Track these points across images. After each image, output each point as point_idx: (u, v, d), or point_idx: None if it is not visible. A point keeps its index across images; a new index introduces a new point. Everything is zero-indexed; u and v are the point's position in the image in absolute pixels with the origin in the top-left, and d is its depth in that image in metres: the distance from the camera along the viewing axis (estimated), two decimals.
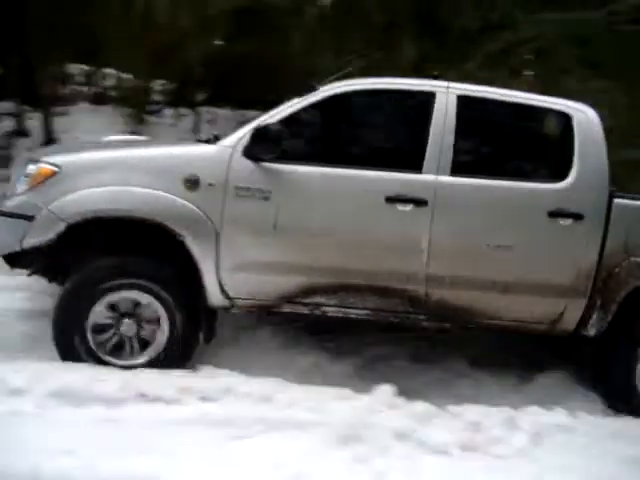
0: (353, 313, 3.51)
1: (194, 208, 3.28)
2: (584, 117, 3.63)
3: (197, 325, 3.41)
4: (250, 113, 5.98)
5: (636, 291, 3.53)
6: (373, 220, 3.40)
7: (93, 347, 3.30)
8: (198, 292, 3.36)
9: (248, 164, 3.32)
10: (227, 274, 3.34)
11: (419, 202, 3.37)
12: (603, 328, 3.54)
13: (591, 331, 3.55)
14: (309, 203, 3.39)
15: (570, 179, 3.49)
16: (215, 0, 8.55)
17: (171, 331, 3.34)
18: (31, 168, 3.36)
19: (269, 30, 8.45)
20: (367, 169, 3.43)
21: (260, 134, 3.25)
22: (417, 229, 3.40)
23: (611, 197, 3.54)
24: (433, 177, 3.41)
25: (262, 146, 3.26)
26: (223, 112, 8.24)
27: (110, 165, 3.39)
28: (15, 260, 3.40)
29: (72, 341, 3.28)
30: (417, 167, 3.42)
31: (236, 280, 3.36)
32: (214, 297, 3.37)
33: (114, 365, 3.27)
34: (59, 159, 3.37)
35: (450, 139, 3.45)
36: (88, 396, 2.90)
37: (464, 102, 3.55)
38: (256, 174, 3.33)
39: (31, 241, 3.22)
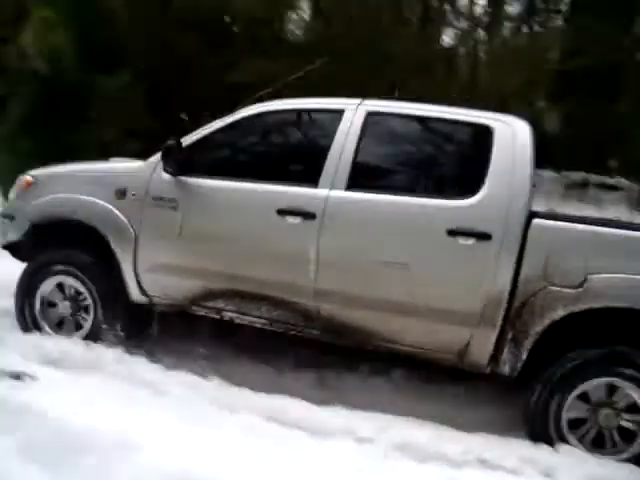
0: (251, 321, 3.61)
1: (119, 215, 3.73)
2: (509, 130, 3.34)
3: (115, 317, 3.84)
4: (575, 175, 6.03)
5: (554, 326, 3.04)
6: (264, 231, 3.49)
7: (38, 317, 3.94)
8: (121, 288, 3.79)
9: (165, 177, 3.67)
10: (143, 274, 3.72)
11: (307, 215, 3.36)
12: (518, 367, 3.12)
13: (504, 369, 3.14)
14: (208, 212, 3.63)
15: (478, 196, 3.16)
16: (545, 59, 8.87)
17: (94, 317, 3.84)
18: (20, 179, 4.17)
19: (612, 90, 8.46)
20: (262, 183, 3.54)
21: (167, 151, 3.59)
22: (305, 242, 3.38)
23: (531, 216, 3.12)
24: (325, 191, 3.37)
25: (168, 162, 3.61)
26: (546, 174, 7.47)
27: (67, 177, 4.08)
28: (14, 251, 4.19)
29: (24, 311, 3.97)
30: (314, 182, 3.43)
31: (150, 280, 3.73)
32: (134, 294, 3.78)
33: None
34: (37, 172, 4.14)
35: (350, 155, 3.40)
36: (431, 454, 2.97)
37: (373, 118, 3.49)
38: (168, 186, 3.66)
39: (9, 237, 4.05)
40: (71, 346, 3.73)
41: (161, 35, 7.43)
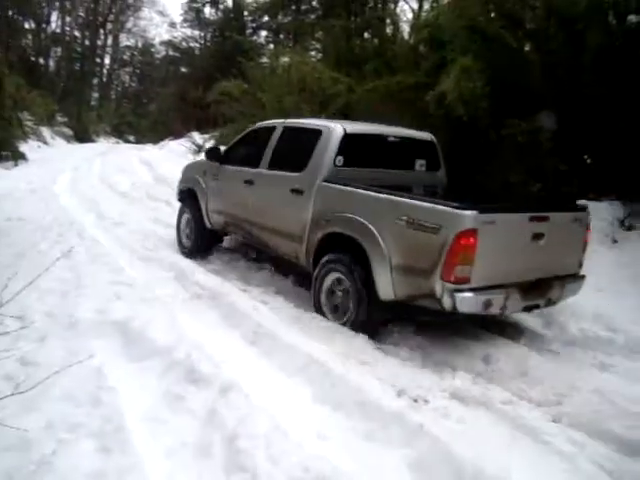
0: (242, 238, 6.96)
1: (202, 183, 7.32)
2: (327, 131, 5.57)
3: (203, 238, 7.42)
4: None
5: (324, 237, 5.31)
6: (239, 191, 6.59)
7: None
8: (202, 220, 7.32)
9: (215, 164, 7.08)
10: (209, 213, 7.22)
11: (251, 182, 6.38)
12: (310, 262, 5.49)
13: (308, 265, 5.55)
14: (225, 182, 6.93)
15: (304, 171, 5.59)
16: None
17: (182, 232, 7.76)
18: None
19: None
20: (242, 166, 6.63)
21: (209, 152, 7.17)
22: (248, 197, 6.42)
23: (325, 181, 5.42)
24: (259, 170, 6.29)
25: (210, 157, 7.11)
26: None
27: (191, 165, 8.28)
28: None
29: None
30: (257, 165, 6.33)
31: (211, 216, 7.20)
32: (206, 223, 7.29)
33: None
34: (188, 162, 8.10)
35: (271, 149, 6.23)
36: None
37: (286, 130, 6.24)
38: (216, 169, 7.07)
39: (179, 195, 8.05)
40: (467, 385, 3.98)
41: (573, 80, 7.18)
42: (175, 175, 9.76)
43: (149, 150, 22.47)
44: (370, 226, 4.74)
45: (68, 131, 33.37)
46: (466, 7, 7.94)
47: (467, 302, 4.23)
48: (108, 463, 2.92)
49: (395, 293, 4.63)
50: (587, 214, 5.12)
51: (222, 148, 7.26)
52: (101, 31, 47.00)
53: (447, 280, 4.17)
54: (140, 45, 50.46)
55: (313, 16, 22.28)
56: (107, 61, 49.89)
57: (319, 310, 5.33)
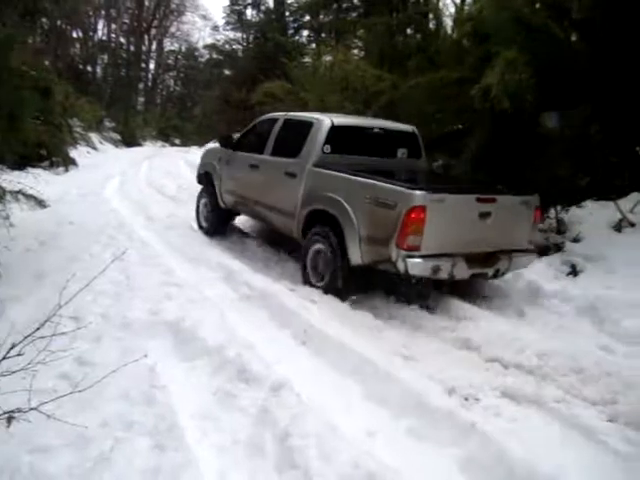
0: (249, 215, 8.08)
1: (217, 167, 8.29)
2: (317, 123, 6.43)
3: (218, 217, 8.39)
4: None
5: (310, 213, 6.13)
6: (245, 174, 7.55)
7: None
8: (216, 200, 8.26)
9: (229, 151, 7.99)
10: (222, 194, 8.14)
11: (255, 166, 7.32)
12: (301, 235, 6.34)
13: (300, 237, 6.37)
14: (237, 167, 7.80)
15: (297, 157, 6.48)
16: None
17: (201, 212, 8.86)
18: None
19: None
20: (249, 152, 7.53)
21: (222, 139, 8.11)
22: (254, 178, 7.33)
23: (314, 166, 6.22)
24: (263, 156, 7.20)
25: (223, 144, 8.15)
26: None
27: (208, 151, 9.76)
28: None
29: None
30: (262, 152, 7.21)
31: (224, 196, 8.12)
32: (220, 203, 8.23)
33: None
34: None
35: (274, 138, 7.09)
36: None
37: (285, 121, 7.13)
38: (228, 155, 8.00)
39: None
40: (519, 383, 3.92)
41: (622, 70, 6.96)
42: None
43: (194, 152, 22.67)
44: (345, 204, 5.57)
45: (116, 136, 34.06)
46: None
47: (417, 267, 5.00)
48: (163, 460, 2.98)
49: (362, 259, 5.44)
50: (535, 198, 5.74)
51: (235, 136, 8.18)
52: (145, 37, 47.84)
53: (401, 247, 4.98)
54: (184, 49, 51.09)
55: (355, 14, 22.18)
56: (152, 66, 50.78)
57: (305, 276, 6.10)
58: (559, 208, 7.13)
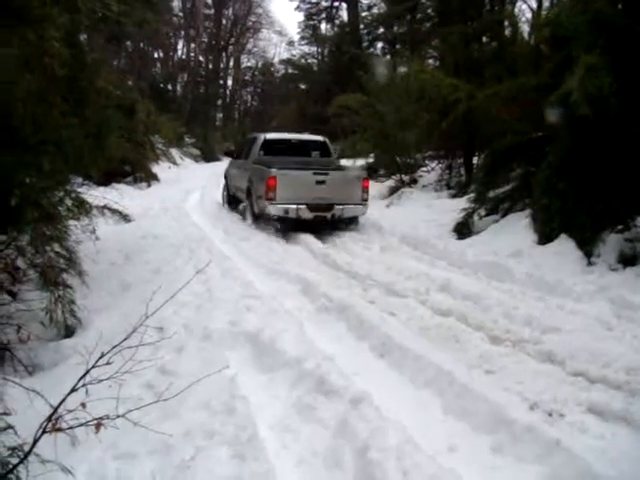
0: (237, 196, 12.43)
1: (228, 170, 13.11)
2: (259, 137, 11.53)
3: (228, 197, 13.38)
4: None
5: (248, 187, 10.80)
6: (237, 173, 11.96)
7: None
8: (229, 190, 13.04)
9: (238, 161, 12.36)
10: (229, 186, 13.05)
11: (239, 167, 11.95)
12: (245, 198, 11.21)
13: (245, 199, 11.32)
14: (234, 169, 12.55)
15: (248, 158, 11.46)
16: None
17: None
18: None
19: None
20: (240, 159, 12.11)
21: (227, 152, 12.11)
22: (246, 176, 10.82)
23: (253, 163, 11.06)
24: (244, 160, 11.63)
25: (228, 154, 14.60)
26: None
27: (231, 163, 13.78)
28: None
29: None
30: (240, 157, 12.13)
31: (230, 187, 12.94)
32: (230, 191, 13.04)
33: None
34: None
35: (249, 148, 11.76)
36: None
37: (255, 137, 11.92)
38: (231, 161, 13.35)
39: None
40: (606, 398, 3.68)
41: None
42: None
43: None
44: (254, 178, 10.28)
45: (195, 151, 34.97)
46: (591, 0, 7.44)
47: (274, 209, 9.50)
48: (243, 470, 3.02)
49: (259, 209, 10.01)
50: (364, 172, 11.17)
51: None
52: (223, 54, 49.03)
53: (266, 199, 9.51)
54: (260, 65, 52.08)
55: (429, 24, 22.08)
56: (229, 82, 51.89)
57: (244, 218, 11.08)
58: None
